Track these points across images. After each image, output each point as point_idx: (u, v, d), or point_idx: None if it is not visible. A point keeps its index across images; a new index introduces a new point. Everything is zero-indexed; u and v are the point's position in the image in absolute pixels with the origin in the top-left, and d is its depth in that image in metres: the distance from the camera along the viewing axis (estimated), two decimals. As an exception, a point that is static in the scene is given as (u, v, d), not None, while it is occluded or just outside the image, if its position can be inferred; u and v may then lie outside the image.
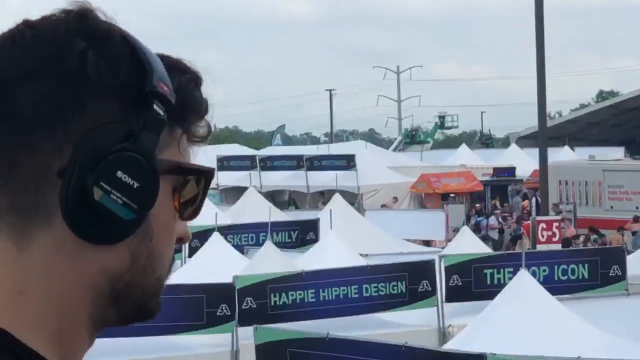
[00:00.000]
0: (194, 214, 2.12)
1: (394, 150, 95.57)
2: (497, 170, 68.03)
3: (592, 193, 53.17)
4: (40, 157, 1.96)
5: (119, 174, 1.93)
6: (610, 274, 25.36)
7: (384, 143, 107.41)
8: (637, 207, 50.57)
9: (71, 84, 1.96)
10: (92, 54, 1.97)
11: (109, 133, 1.95)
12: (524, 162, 67.24)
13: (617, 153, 68.92)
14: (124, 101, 1.98)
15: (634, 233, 46.53)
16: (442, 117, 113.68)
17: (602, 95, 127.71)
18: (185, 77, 2.08)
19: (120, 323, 2.06)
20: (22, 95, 1.96)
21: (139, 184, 1.94)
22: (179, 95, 2.04)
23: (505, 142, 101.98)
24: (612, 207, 51.49)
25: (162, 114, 2.00)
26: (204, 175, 2.11)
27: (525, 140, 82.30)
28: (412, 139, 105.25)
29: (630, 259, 27.71)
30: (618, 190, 52.23)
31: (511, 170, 67.70)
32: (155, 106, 1.99)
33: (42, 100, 1.96)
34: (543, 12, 42.28)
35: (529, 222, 39.54)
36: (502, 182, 65.84)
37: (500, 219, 54.39)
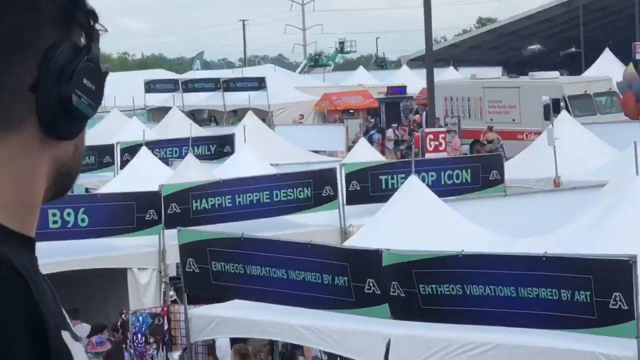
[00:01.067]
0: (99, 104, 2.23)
1: (300, 72, 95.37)
2: (391, 89, 68.09)
3: (474, 108, 53.30)
4: (10, 79, 2.07)
5: (85, 81, 2.09)
6: (490, 178, 25.60)
7: (291, 67, 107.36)
8: (513, 120, 50.92)
9: (24, 13, 2.06)
10: None
11: (68, 49, 2.09)
12: (414, 81, 67.36)
13: (495, 72, 69.31)
14: (66, 22, 2.11)
15: (490, 141, 46.99)
16: (342, 43, 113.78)
17: (481, 22, 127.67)
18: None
19: (52, 199, 2.24)
20: None
21: (95, 87, 2.12)
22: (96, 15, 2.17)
23: (397, 64, 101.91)
24: (492, 120, 51.69)
25: (102, 27, 2.17)
26: (105, 72, 2.23)
27: (414, 62, 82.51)
28: (315, 62, 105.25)
29: (507, 165, 27.97)
30: (497, 105, 52.43)
31: (402, 89, 67.76)
32: (91, 22, 2.14)
33: (8, 30, 2.07)
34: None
35: (419, 134, 39.89)
36: (395, 99, 65.85)
37: (396, 131, 54.50)
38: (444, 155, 32.23)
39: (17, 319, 2.01)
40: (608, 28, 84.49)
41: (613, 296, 12.34)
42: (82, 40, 2.15)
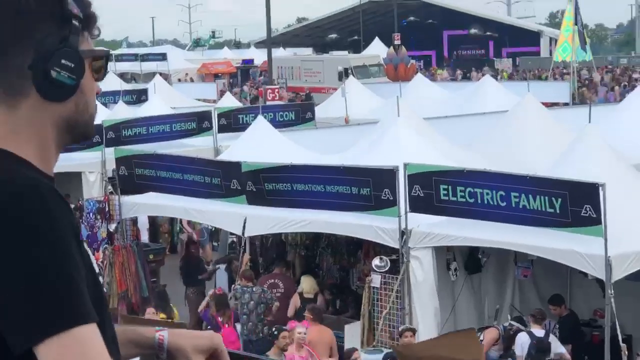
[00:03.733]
0: (102, 77, 2.22)
1: (187, 50, 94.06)
2: (244, 61, 67.84)
3: (295, 73, 53.56)
4: (16, 61, 2.07)
5: (63, 60, 2.07)
6: (307, 117, 25.77)
7: (182, 46, 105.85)
8: (319, 80, 51.28)
9: (22, 14, 2.05)
10: None
11: (51, 39, 2.07)
12: (259, 56, 67.14)
13: (308, 51, 69.90)
14: (54, 20, 2.07)
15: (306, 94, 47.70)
16: (213, 32, 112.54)
17: (299, 20, 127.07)
18: (85, 1, 2.16)
19: (73, 143, 2.21)
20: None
21: (73, 65, 2.08)
22: (85, 12, 2.13)
23: (247, 46, 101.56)
24: (306, 80, 52.10)
25: (78, 24, 2.11)
26: (104, 54, 2.23)
27: (260, 44, 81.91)
28: (197, 44, 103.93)
29: (317, 108, 28.02)
30: (309, 71, 52.75)
31: (251, 61, 67.40)
32: (73, 20, 2.10)
33: (8, 31, 2.06)
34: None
35: (261, 88, 40.01)
36: (247, 67, 65.46)
37: (246, 87, 54.58)
38: (280, 103, 32.13)
39: (70, 224, 1.96)
40: (378, 24, 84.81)
41: (584, 207, 11.17)
42: (67, 33, 2.09)
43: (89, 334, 1.90)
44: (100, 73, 2.23)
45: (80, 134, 2.20)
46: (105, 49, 2.31)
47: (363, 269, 15.28)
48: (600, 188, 10.94)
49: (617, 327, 11.18)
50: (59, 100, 2.11)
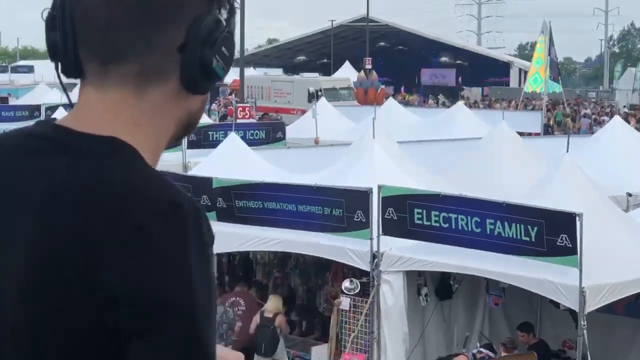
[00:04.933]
0: None
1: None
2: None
3: (265, 93, 53.46)
4: (165, 38, 1.78)
5: (223, 49, 1.81)
6: (277, 136, 25.49)
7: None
8: (289, 102, 51.33)
9: None
10: None
11: (211, 20, 1.80)
12: (229, 75, 67.03)
13: (278, 72, 69.82)
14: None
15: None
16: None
17: (269, 41, 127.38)
18: None
19: (177, 140, 1.92)
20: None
21: (229, 54, 1.83)
22: None
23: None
24: (275, 101, 52.04)
25: (236, 5, 1.89)
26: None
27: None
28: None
29: (287, 128, 27.93)
30: (279, 92, 52.69)
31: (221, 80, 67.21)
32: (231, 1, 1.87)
33: (161, 7, 1.79)
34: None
35: (231, 107, 39.86)
36: (216, 86, 64.90)
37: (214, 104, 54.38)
38: (251, 120, 31.95)
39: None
40: (348, 48, 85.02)
41: (560, 236, 11.06)
42: (224, 15, 1.85)
43: None
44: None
45: (188, 133, 1.95)
46: None
47: (330, 291, 15.13)
48: (578, 218, 10.88)
49: (589, 358, 11.11)
50: (202, 92, 1.86)
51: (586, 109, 49.37)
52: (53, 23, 1.83)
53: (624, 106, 51.72)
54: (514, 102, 49.37)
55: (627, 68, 73.30)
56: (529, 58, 69.47)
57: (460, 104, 33.88)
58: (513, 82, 79.77)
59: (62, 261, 1.66)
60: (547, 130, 36.12)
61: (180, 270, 1.66)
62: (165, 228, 1.66)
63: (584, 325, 11.04)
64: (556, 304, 12.14)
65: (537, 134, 29.12)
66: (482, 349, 12.59)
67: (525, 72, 57.10)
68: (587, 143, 18.59)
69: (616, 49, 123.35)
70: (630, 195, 16.21)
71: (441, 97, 60.61)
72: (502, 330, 13.85)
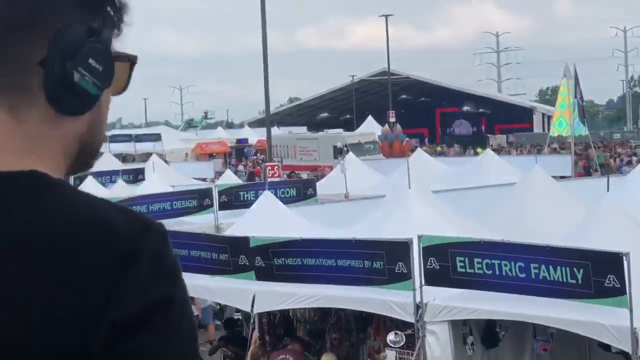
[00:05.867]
0: (124, 90, 1.79)
1: (180, 130, 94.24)
2: (239, 140, 67.92)
3: (291, 151, 53.73)
4: (24, 52, 1.61)
5: (90, 60, 1.62)
6: (308, 193, 25.41)
7: (176, 127, 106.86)
8: (315, 159, 51.49)
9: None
10: None
11: (77, 30, 1.62)
12: (253, 136, 67.37)
13: (302, 130, 70.21)
14: (84, 7, 1.65)
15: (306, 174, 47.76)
16: (205, 113, 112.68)
17: (291, 100, 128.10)
18: None
19: (71, 174, 1.75)
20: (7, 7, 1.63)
21: (102, 68, 1.63)
22: (118, 3, 1.71)
23: (240, 125, 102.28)
24: (301, 159, 52.26)
25: (113, 14, 1.69)
26: (133, 60, 1.76)
27: (253, 124, 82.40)
28: (189, 124, 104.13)
29: (318, 184, 27.99)
30: (304, 149, 52.98)
31: (245, 140, 67.51)
32: (108, 8, 1.68)
33: (22, 9, 1.62)
34: (266, 49, 41.47)
35: (259, 167, 40.05)
36: (241, 147, 65.36)
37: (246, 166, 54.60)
38: (280, 179, 32.06)
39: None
40: (369, 103, 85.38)
41: (607, 277, 10.86)
42: (96, 25, 1.66)
43: None
44: (121, 84, 1.77)
45: (84, 164, 1.76)
46: (133, 53, 1.80)
47: (373, 345, 14.96)
48: (625, 257, 10.71)
49: (644, 401, 10.89)
50: (76, 113, 1.66)
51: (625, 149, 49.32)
52: None
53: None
54: (546, 147, 49.10)
55: (652, 107, 73.16)
56: (550, 103, 69.52)
57: (489, 151, 33.81)
58: (537, 127, 79.70)
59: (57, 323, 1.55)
60: (589, 172, 35.96)
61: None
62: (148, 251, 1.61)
63: (640, 367, 10.84)
64: (607, 347, 11.96)
65: (568, 177, 28.98)
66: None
67: (549, 117, 57.03)
68: (624, 182, 18.43)
69: (638, 89, 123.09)
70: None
71: (469, 147, 60.57)
72: (552, 376, 13.62)
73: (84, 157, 1.74)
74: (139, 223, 1.63)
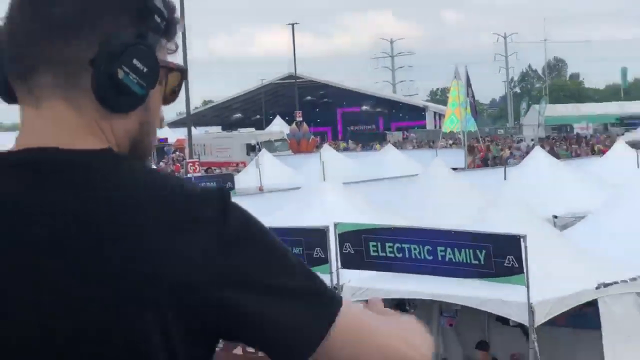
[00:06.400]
0: (173, 99, 1.75)
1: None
2: (159, 139, 67.05)
3: (208, 149, 53.46)
4: (77, 52, 1.59)
5: (135, 61, 1.58)
6: (228, 187, 25.25)
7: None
8: (229, 155, 51.35)
9: (86, 7, 1.60)
10: None
11: (124, 34, 1.59)
12: (172, 135, 66.68)
13: (217, 129, 70.08)
14: (133, 13, 1.61)
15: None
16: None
17: (205, 102, 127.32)
18: (170, 3, 1.70)
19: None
20: (62, 9, 1.60)
21: (147, 69, 1.60)
22: (169, 14, 1.68)
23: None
24: (217, 156, 52.09)
25: (160, 22, 1.65)
26: (183, 71, 1.74)
27: (173, 124, 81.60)
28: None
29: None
30: (219, 147, 52.85)
31: (165, 139, 66.73)
32: (155, 17, 1.63)
33: (77, 12, 1.60)
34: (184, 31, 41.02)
35: (179, 164, 39.74)
36: (162, 145, 64.47)
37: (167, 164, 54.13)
38: (199, 174, 31.85)
39: None
40: (278, 103, 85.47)
41: (507, 258, 10.92)
42: (143, 30, 1.64)
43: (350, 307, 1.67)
44: (173, 94, 1.75)
45: (138, 159, 1.71)
46: (185, 66, 1.77)
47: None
48: (522, 240, 10.85)
49: (540, 369, 11.04)
50: (121, 110, 1.63)
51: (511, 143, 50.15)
52: None
53: (532, 140, 52.29)
54: (439, 142, 49.69)
55: (531, 106, 74.53)
56: (440, 102, 70.32)
57: (390, 145, 34.04)
58: (429, 124, 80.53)
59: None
60: (487, 163, 36.45)
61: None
62: (219, 213, 1.58)
63: (535, 338, 10.96)
64: (505, 321, 12.09)
65: (462, 168, 29.34)
66: (440, 368, 12.47)
67: (440, 115, 57.64)
68: (516, 172, 18.71)
69: (517, 90, 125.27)
70: (555, 217, 16.25)
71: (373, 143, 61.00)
72: (456, 349, 13.73)
73: (134, 154, 1.69)
74: (210, 190, 1.62)
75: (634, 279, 11.66)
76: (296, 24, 71.54)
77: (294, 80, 72.68)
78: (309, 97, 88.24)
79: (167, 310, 1.54)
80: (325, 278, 12.60)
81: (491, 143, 50.65)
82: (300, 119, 60.16)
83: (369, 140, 66.77)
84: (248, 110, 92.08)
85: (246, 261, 1.58)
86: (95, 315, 1.53)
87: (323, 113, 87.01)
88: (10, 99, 1.68)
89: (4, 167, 1.61)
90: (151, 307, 1.53)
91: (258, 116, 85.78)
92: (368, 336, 1.66)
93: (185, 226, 1.56)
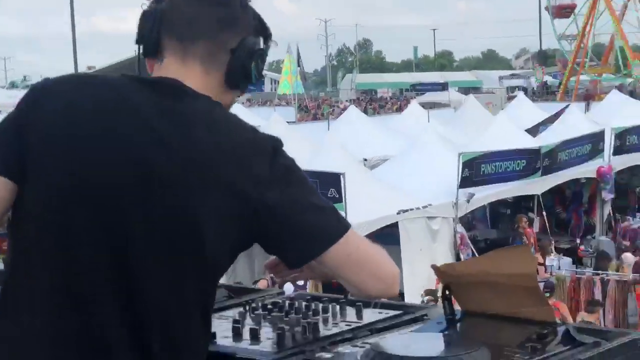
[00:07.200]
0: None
1: (7, 89, 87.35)
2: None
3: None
4: (225, 38, 1.75)
5: (259, 61, 1.78)
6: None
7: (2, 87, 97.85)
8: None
9: (239, 15, 1.77)
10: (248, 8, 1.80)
11: (255, 40, 1.78)
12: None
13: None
14: (257, 31, 1.79)
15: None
16: (25, 76, 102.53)
17: (89, 67, 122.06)
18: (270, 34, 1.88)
19: None
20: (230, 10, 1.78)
21: (260, 67, 1.78)
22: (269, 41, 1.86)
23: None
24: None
25: (269, 44, 1.84)
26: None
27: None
28: (12, 85, 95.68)
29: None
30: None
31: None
32: (269, 40, 1.83)
33: (237, 15, 1.77)
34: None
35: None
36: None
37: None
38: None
39: None
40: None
41: (330, 190, 11.16)
42: (262, 43, 1.81)
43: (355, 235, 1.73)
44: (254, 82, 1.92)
45: None
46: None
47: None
48: (342, 176, 11.01)
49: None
50: (242, 89, 1.81)
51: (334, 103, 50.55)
52: (144, 16, 1.79)
53: (347, 100, 52.93)
54: (271, 102, 49.64)
55: (345, 75, 75.50)
56: (276, 71, 70.08)
57: (238, 105, 33.64)
58: (267, 88, 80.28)
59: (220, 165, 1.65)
60: (316, 119, 36.56)
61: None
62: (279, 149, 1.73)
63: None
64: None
65: (293, 122, 29.38)
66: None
67: (276, 81, 57.52)
68: (335, 125, 18.89)
69: (335, 62, 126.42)
70: (365, 160, 16.52)
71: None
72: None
73: None
74: (270, 136, 1.77)
75: (425, 207, 12.06)
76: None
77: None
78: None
79: (230, 200, 1.63)
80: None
81: (322, 103, 51.13)
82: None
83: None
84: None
85: (287, 181, 1.70)
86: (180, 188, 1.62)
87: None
88: (152, 52, 1.79)
89: (142, 84, 1.72)
90: (221, 193, 1.63)
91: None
92: (366, 249, 1.74)
93: (253, 152, 1.68)
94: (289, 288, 2.74)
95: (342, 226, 1.72)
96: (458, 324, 2.11)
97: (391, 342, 1.90)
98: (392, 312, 2.22)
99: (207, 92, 1.73)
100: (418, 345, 1.86)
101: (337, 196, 11.15)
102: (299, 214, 1.67)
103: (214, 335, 1.96)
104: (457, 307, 2.16)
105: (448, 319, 2.09)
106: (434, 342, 1.91)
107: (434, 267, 2.17)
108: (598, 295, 11.57)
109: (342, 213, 10.62)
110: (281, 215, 1.66)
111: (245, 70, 1.76)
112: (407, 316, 2.19)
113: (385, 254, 1.82)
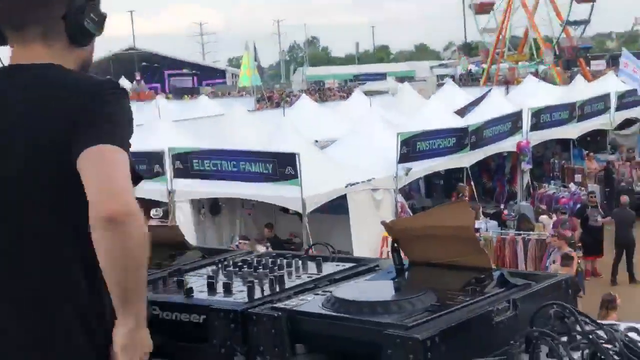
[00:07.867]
0: (100, 33, 1.92)
1: None
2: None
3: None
4: (52, 12, 1.80)
5: (92, 15, 1.83)
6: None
7: None
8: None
9: None
10: None
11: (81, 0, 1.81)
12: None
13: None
14: None
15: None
16: None
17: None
18: None
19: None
20: None
21: (98, 19, 1.84)
22: None
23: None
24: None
25: None
26: (105, 16, 1.90)
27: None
28: None
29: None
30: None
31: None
32: None
33: None
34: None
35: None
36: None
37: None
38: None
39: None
40: (123, 68, 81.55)
41: (287, 168, 11.16)
42: None
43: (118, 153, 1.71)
44: (101, 31, 1.93)
45: (86, 70, 1.91)
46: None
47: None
48: (297, 156, 10.97)
49: (310, 241, 11.26)
50: (84, 44, 1.86)
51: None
52: None
53: (299, 91, 52.66)
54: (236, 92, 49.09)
55: (297, 68, 75.14)
56: (236, 67, 69.47)
57: (204, 96, 33.26)
58: (229, 82, 79.51)
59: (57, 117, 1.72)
60: (279, 106, 36.21)
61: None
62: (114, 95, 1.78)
63: (306, 222, 11.18)
64: (286, 210, 12.26)
65: (253, 110, 29.13)
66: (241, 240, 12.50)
67: (236, 75, 56.98)
68: (290, 111, 18.77)
69: (287, 57, 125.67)
70: (317, 141, 16.44)
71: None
72: (252, 229, 13.77)
73: (85, 68, 1.88)
74: (98, 80, 1.80)
75: (369, 180, 12.10)
76: (134, 11, 68.14)
77: (134, 51, 69.49)
78: (144, 63, 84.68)
79: (68, 125, 1.70)
80: (163, 186, 12.27)
81: (282, 93, 50.90)
82: (139, 78, 57.87)
83: (188, 93, 65.12)
84: (99, 74, 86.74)
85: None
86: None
87: (154, 75, 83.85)
88: (2, 41, 1.85)
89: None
90: (61, 123, 1.71)
91: (108, 77, 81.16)
92: (108, 163, 1.71)
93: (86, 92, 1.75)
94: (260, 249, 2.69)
95: (109, 138, 1.74)
96: (406, 273, 2.09)
97: (348, 289, 1.88)
98: (348, 264, 2.20)
99: (55, 60, 1.79)
100: (372, 292, 1.84)
101: (294, 173, 11.11)
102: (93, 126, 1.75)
103: (191, 290, 1.93)
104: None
105: (397, 269, 2.07)
106: (386, 289, 1.89)
107: (383, 222, 2.15)
108: (520, 253, 11.76)
109: (298, 188, 10.74)
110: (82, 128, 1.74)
111: (81, 28, 1.81)
112: (361, 267, 2.17)
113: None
